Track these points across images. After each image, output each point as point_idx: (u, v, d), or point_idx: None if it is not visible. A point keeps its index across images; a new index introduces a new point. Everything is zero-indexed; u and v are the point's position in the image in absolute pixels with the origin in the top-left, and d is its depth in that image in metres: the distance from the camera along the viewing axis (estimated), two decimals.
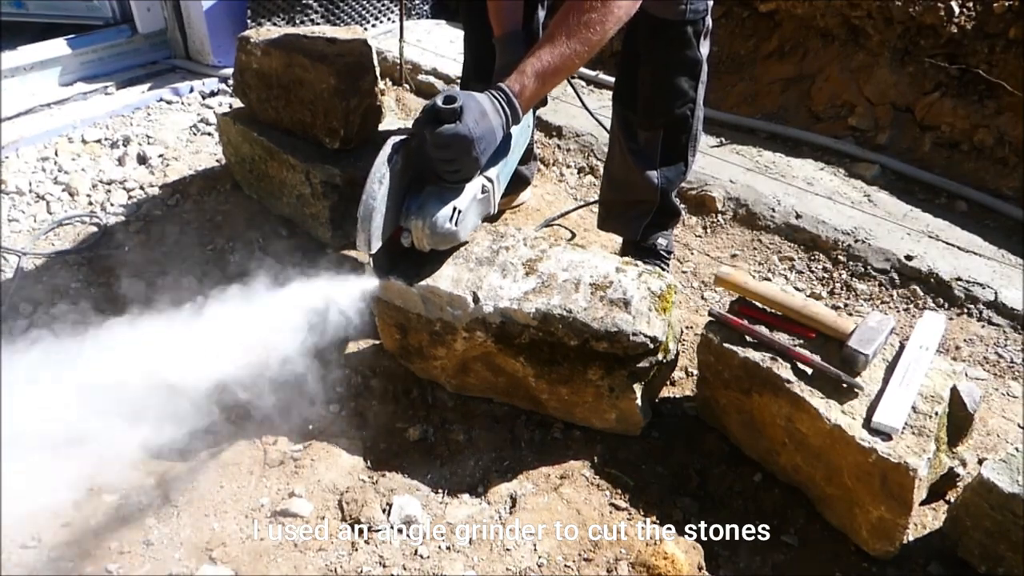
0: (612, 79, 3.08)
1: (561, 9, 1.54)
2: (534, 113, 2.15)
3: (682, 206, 2.47)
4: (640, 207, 2.05)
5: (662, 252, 2.12)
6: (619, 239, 2.34)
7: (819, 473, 1.51)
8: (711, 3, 1.81)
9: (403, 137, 1.54)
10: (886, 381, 1.48)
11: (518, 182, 2.38)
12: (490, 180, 1.64)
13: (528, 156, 2.37)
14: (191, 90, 2.92)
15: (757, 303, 1.64)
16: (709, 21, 1.84)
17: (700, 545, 1.49)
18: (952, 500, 1.55)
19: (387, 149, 1.50)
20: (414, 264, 1.67)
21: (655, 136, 1.94)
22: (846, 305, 2.13)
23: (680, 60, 1.84)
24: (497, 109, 1.51)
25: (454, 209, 1.56)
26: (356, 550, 1.48)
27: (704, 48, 1.86)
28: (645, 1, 1.76)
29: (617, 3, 1.52)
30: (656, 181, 1.98)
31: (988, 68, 2.56)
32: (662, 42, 1.83)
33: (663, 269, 2.10)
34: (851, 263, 2.21)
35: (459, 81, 2.32)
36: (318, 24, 3.12)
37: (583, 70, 3.14)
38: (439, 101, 1.45)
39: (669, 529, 1.52)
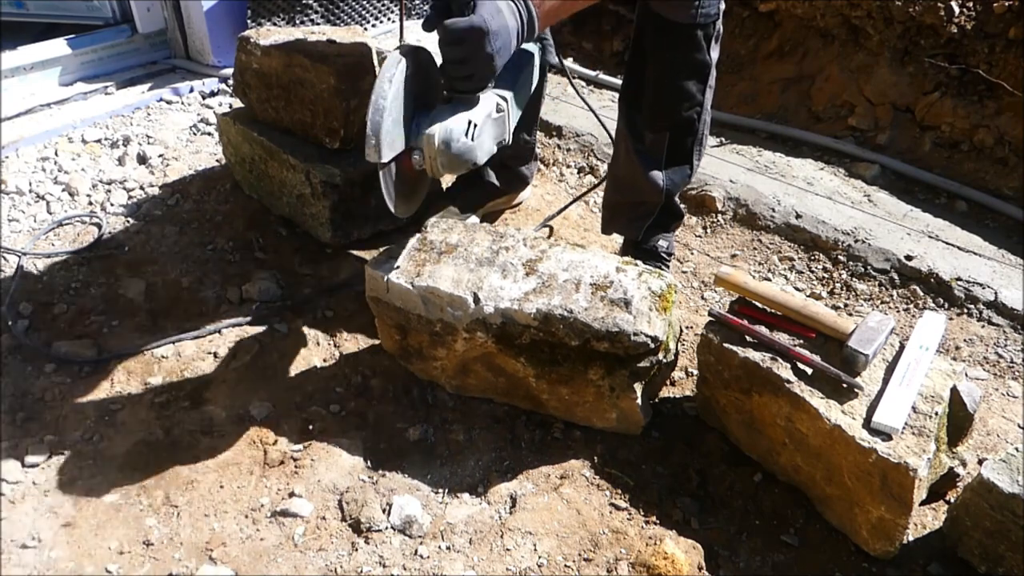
0: (612, 79, 3.09)
1: None
2: (543, 73, 2.08)
3: (682, 206, 2.47)
4: (643, 208, 2.04)
5: (662, 254, 2.12)
6: (619, 239, 2.34)
7: (819, 473, 1.51)
8: (722, 7, 1.80)
9: (412, 45, 1.47)
10: (886, 381, 1.48)
11: (517, 181, 2.38)
12: (504, 99, 1.55)
13: (528, 156, 2.37)
14: (191, 90, 2.92)
15: (757, 303, 1.64)
16: (720, 26, 1.82)
17: (700, 545, 1.49)
18: (952, 500, 1.55)
19: (395, 54, 1.42)
20: (414, 264, 1.67)
21: (661, 138, 1.93)
22: (846, 305, 2.13)
23: (689, 63, 1.83)
24: (513, 11, 1.44)
25: (469, 122, 1.45)
26: (356, 550, 1.48)
27: (714, 52, 1.84)
28: (655, 3, 1.74)
29: None
30: (661, 183, 1.97)
31: (988, 68, 2.56)
32: (671, 44, 1.81)
33: (662, 271, 2.10)
34: (851, 263, 2.21)
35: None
36: (318, 24, 3.12)
37: (583, 70, 3.15)
38: None
39: (669, 529, 1.52)
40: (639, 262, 1.74)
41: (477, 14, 1.39)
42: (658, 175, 1.97)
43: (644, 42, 1.86)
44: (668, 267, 2.13)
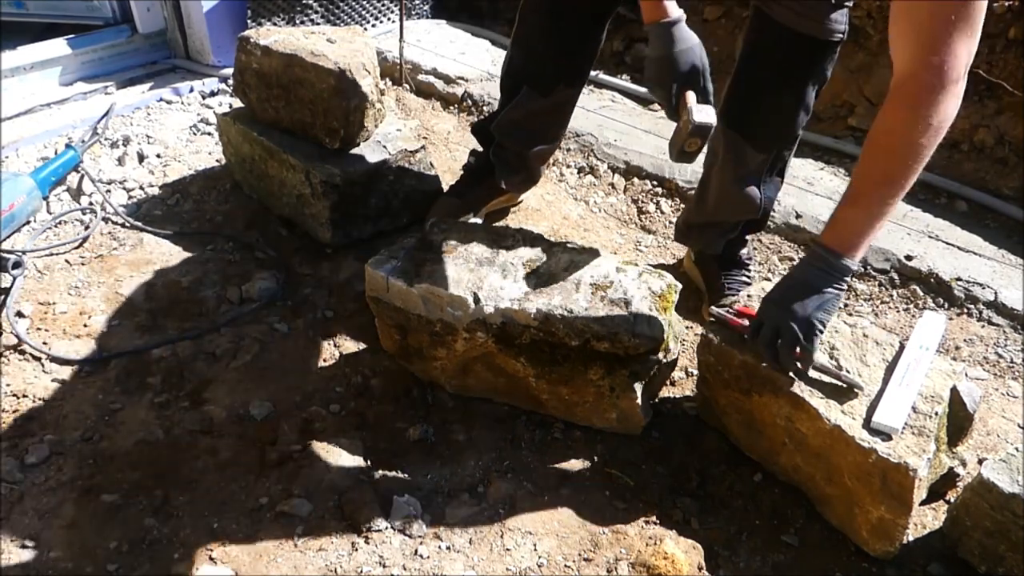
0: (612, 79, 3.09)
1: (871, 137, 1.36)
2: None
3: (682, 206, 2.47)
4: (728, 224, 2.00)
5: (745, 260, 2.08)
6: (619, 239, 2.34)
7: (819, 473, 1.51)
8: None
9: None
10: (886, 381, 1.48)
11: (527, 181, 2.34)
12: None
13: (547, 158, 2.33)
14: (191, 90, 2.92)
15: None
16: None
17: (700, 545, 1.50)
18: (952, 500, 1.55)
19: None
20: (414, 264, 1.67)
21: (768, 158, 1.86)
22: (846, 305, 2.13)
23: (822, 78, 1.76)
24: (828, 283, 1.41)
25: None
26: (356, 550, 1.48)
27: None
28: (791, 18, 1.65)
29: (940, 113, 1.27)
30: (759, 201, 1.92)
31: (988, 68, 2.56)
32: (811, 62, 1.73)
33: (747, 278, 2.05)
34: None
35: (496, 79, 2.20)
36: (318, 24, 3.12)
37: None
38: None
39: (669, 529, 1.52)
40: (639, 262, 1.74)
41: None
42: (756, 193, 1.90)
43: (769, 64, 1.76)
44: (751, 273, 2.08)
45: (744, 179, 1.90)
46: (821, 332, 1.42)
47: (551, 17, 1.95)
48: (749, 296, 1.70)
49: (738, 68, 1.84)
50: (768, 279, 2.21)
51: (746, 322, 1.58)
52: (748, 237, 2.11)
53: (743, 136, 1.84)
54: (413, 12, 3.54)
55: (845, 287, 1.42)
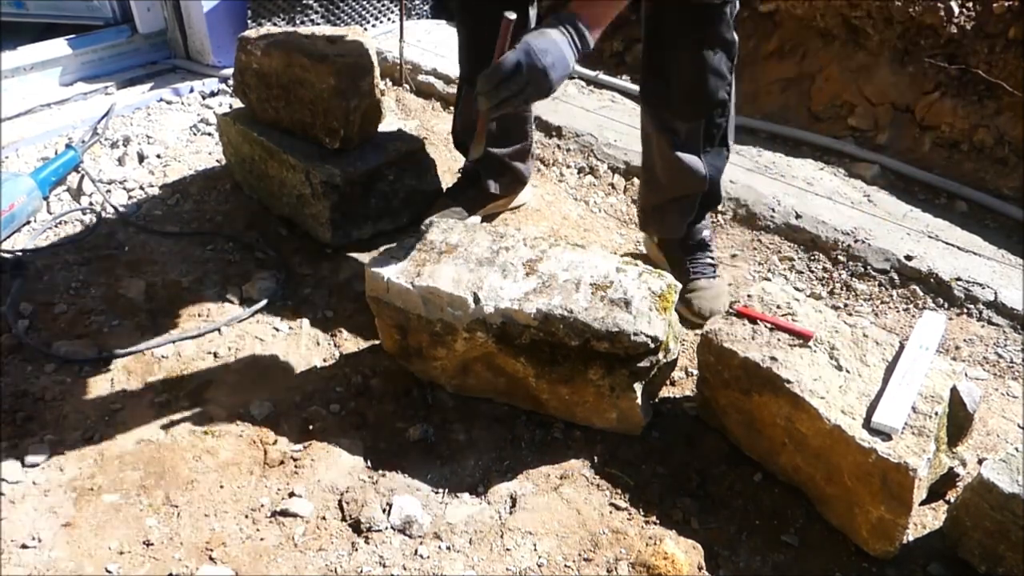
0: (612, 79, 3.09)
1: None
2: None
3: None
4: (686, 201, 2.04)
5: (707, 243, 2.12)
6: (619, 239, 2.34)
7: (819, 473, 1.51)
8: None
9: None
10: (886, 381, 1.48)
11: (514, 181, 2.37)
12: None
13: (524, 155, 2.35)
14: (191, 90, 2.93)
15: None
16: (738, 4, 1.84)
17: (700, 545, 1.50)
18: (952, 500, 1.55)
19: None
20: (414, 264, 1.67)
21: (696, 127, 1.93)
22: (846, 305, 2.13)
23: (718, 41, 1.83)
24: (560, 30, 1.50)
25: None
26: (356, 550, 1.48)
27: (735, 31, 1.86)
28: None
29: None
30: (703, 171, 1.97)
31: (988, 68, 2.56)
32: (698, 26, 1.81)
33: (711, 260, 2.10)
34: (851, 263, 2.21)
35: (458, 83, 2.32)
36: (318, 24, 3.12)
37: (583, 70, 3.14)
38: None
39: (669, 529, 1.52)
40: (639, 262, 1.74)
41: (520, 44, 1.47)
42: (698, 162, 1.96)
43: (664, 34, 1.86)
44: (713, 255, 2.13)
45: (681, 148, 1.95)
46: (550, 87, 1.50)
47: (463, 10, 2.11)
48: (749, 296, 1.70)
49: (643, 42, 1.93)
50: (768, 279, 2.21)
51: (746, 322, 1.58)
52: (708, 219, 2.15)
53: (664, 107, 1.94)
54: (413, 12, 3.54)
55: (578, 56, 1.53)
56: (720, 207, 2.43)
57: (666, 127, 1.95)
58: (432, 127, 2.85)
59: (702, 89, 1.87)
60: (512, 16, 1.52)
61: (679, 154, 1.95)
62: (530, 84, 1.48)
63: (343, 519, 1.53)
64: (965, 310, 2.07)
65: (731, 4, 1.80)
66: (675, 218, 2.08)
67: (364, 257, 2.16)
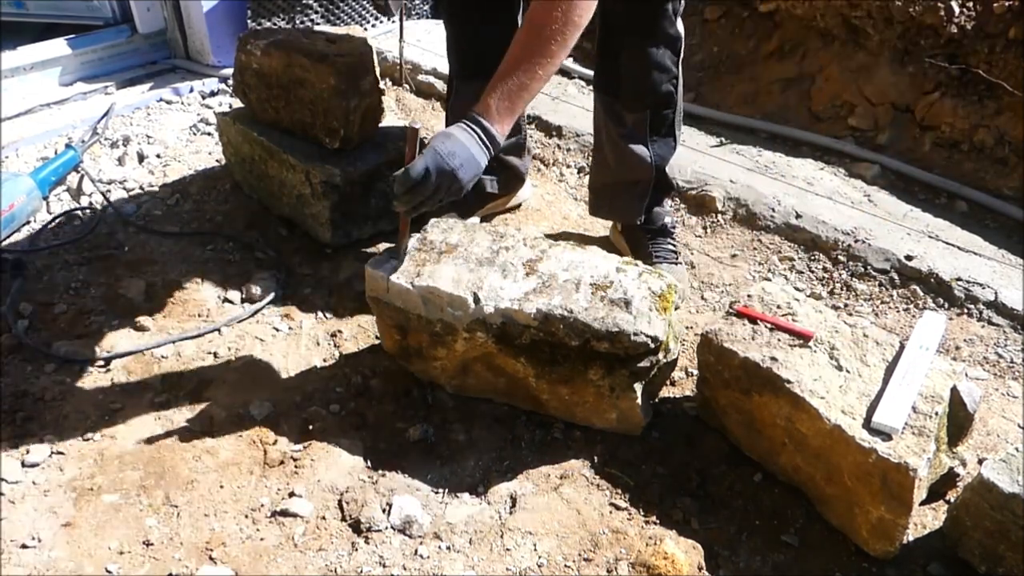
0: None
1: (522, 25, 1.57)
2: None
3: (682, 205, 2.48)
4: (636, 188, 2.10)
5: (670, 229, 2.18)
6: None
7: (819, 473, 1.51)
8: None
9: None
10: (886, 381, 1.48)
11: (512, 179, 2.36)
12: None
13: (520, 151, 2.35)
14: (191, 90, 2.92)
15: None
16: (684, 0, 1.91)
17: (700, 545, 1.49)
18: (952, 500, 1.55)
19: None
20: (414, 264, 1.67)
21: (643, 117, 2.00)
22: (846, 305, 2.13)
23: (663, 37, 1.90)
24: (466, 131, 1.51)
25: None
26: (356, 550, 1.48)
27: (680, 26, 1.93)
28: None
29: (574, 10, 1.51)
30: (649, 159, 2.04)
31: (988, 68, 2.56)
32: (642, 21, 1.88)
33: (673, 246, 2.16)
34: (851, 263, 2.21)
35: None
36: (318, 24, 3.12)
37: (583, 70, 3.14)
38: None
39: (669, 529, 1.52)
40: (639, 262, 1.74)
41: (427, 150, 1.50)
42: (644, 151, 2.03)
43: (612, 27, 1.91)
44: (676, 244, 2.18)
45: (627, 137, 2.03)
46: (461, 187, 1.52)
47: (450, 16, 2.14)
48: (749, 296, 1.70)
49: (597, 36, 1.98)
50: (768, 279, 2.21)
51: (746, 322, 1.58)
52: (668, 206, 2.21)
53: (613, 97, 2.02)
54: (413, 12, 3.54)
55: (490, 152, 1.54)
56: (719, 207, 2.43)
57: (615, 116, 2.03)
58: (432, 127, 2.84)
59: (646, 82, 1.94)
60: (417, 126, 1.55)
61: (625, 142, 2.03)
62: (441, 187, 1.51)
63: (343, 519, 1.53)
64: (965, 310, 2.07)
65: (673, 1, 1.87)
66: (623, 203, 2.15)
67: (364, 257, 2.16)
